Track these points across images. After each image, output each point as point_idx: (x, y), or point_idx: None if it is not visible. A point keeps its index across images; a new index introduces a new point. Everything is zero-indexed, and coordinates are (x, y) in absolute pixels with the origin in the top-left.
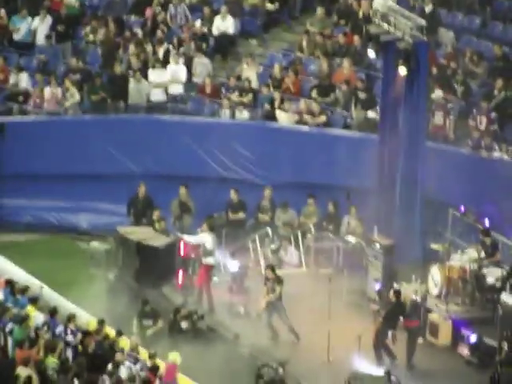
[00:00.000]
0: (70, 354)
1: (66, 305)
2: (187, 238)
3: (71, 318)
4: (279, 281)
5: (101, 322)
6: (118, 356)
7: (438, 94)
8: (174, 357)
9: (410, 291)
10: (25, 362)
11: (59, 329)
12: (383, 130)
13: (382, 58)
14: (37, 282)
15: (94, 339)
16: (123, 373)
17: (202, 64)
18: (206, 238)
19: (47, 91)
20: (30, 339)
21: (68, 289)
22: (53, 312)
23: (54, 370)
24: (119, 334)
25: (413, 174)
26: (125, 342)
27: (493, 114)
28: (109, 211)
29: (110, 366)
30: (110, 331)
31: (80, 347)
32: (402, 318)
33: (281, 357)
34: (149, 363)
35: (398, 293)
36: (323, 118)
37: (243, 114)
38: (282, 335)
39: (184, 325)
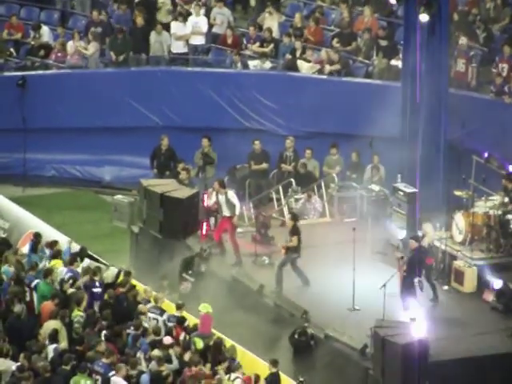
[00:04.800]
0: (96, 306)
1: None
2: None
3: (97, 271)
4: (294, 231)
5: (127, 274)
6: (141, 307)
7: (463, 41)
8: (207, 308)
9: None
10: (51, 316)
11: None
12: (405, 77)
13: (403, 5)
14: (64, 236)
15: (118, 291)
16: (147, 324)
17: (222, 14)
18: (234, 196)
19: (70, 45)
20: (56, 293)
21: (92, 242)
22: (72, 261)
23: (79, 323)
24: (128, 274)
25: (435, 121)
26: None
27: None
28: (132, 164)
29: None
30: (136, 283)
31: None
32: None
33: (305, 306)
34: (177, 314)
35: (416, 238)
36: (344, 66)
37: (265, 64)
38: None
39: (203, 268)
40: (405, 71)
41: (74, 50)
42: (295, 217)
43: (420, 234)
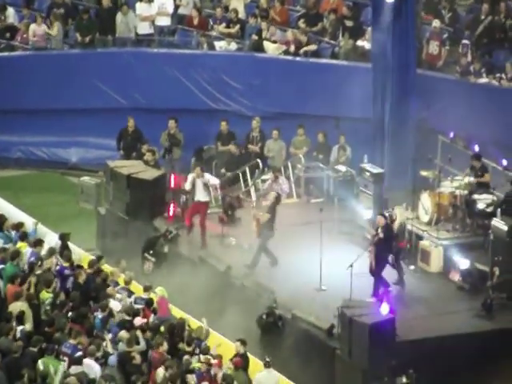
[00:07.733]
0: (67, 285)
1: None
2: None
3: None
4: (271, 210)
5: (99, 258)
6: (109, 289)
7: (436, 23)
8: (162, 291)
9: (399, 215)
10: (16, 297)
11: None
12: (374, 58)
13: None
14: (30, 217)
15: (86, 273)
16: (114, 306)
17: None
18: (212, 178)
19: (32, 28)
20: (17, 274)
21: (59, 224)
22: (37, 243)
23: (50, 305)
24: (99, 258)
25: (403, 101)
26: (120, 277)
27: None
28: (98, 145)
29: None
30: (105, 266)
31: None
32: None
33: (272, 287)
34: (145, 296)
35: (385, 217)
36: (312, 47)
37: (231, 46)
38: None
39: (166, 249)
40: (373, 52)
41: (37, 33)
42: (278, 199)
43: (390, 216)
